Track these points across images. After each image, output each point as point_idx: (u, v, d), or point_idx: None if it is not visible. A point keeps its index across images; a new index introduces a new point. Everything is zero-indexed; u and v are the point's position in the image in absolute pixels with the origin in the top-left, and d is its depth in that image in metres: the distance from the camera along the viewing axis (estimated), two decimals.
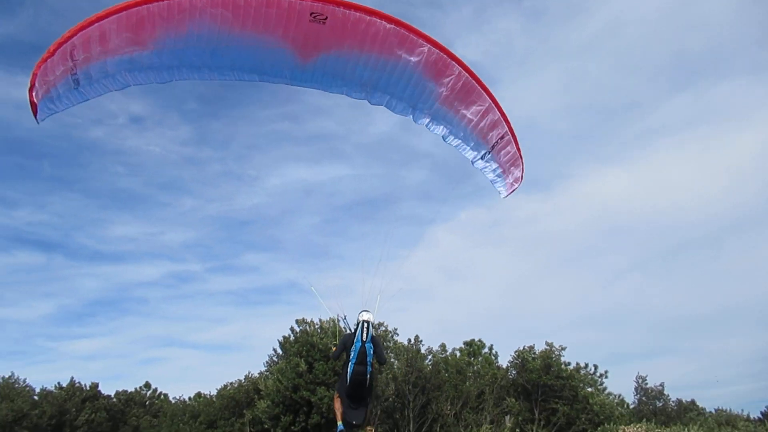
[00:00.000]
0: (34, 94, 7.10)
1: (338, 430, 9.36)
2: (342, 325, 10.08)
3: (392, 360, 23.75)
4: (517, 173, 9.51)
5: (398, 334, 25.11)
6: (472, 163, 9.67)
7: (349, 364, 9.05)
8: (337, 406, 9.50)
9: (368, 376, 9.11)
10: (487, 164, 9.60)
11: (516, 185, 9.64)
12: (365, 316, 9.29)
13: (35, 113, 7.30)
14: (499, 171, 9.63)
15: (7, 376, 30.74)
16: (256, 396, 24.66)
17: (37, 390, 31.80)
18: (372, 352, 9.03)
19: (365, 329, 9.11)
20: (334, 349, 9.87)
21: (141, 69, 7.64)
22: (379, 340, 9.51)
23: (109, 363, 64.22)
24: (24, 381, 31.12)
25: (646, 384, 29.95)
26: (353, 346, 9.06)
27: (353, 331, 9.31)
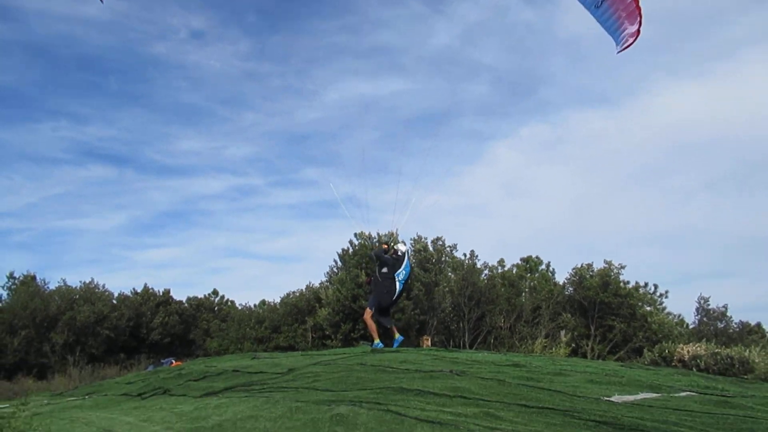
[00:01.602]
0: None
1: (377, 346, 10.23)
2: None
3: (450, 274, 24.13)
4: (633, 28, 8.88)
5: (457, 250, 25.33)
6: (587, 9, 9.12)
7: (398, 282, 10.56)
8: (374, 326, 10.73)
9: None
10: (602, 13, 9.04)
11: (631, 41, 9.02)
12: (405, 248, 10.85)
13: None
14: (613, 22, 9.06)
15: (87, 282, 33.01)
16: (317, 304, 25.67)
17: (115, 295, 34.04)
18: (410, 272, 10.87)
19: (408, 257, 10.77)
20: (385, 246, 11.29)
21: None
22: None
23: (179, 271, 67.60)
24: (103, 286, 33.31)
25: (708, 305, 29.45)
26: (403, 270, 10.59)
27: (394, 255, 10.70)
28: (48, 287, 31.99)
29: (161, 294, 35.53)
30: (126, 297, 34.10)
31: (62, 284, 32.15)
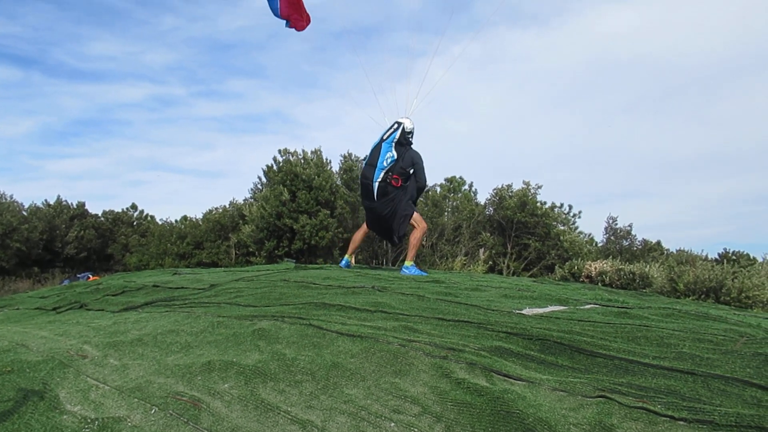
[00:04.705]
0: None
1: (340, 263, 8.37)
2: None
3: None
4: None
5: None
6: None
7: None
8: (356, 236, 8.33)
9: (374, 183, 7.24)
10: None
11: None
12: (400, 120, 7.52)
13: None
14: None
15: None
16: (240, 221, 25.43)
17: (26, 206, 32.39)
18: (387, 156, 7.27)
19: (392, 129, 7.43)
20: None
21: None
22: (419, 158, 7.47)
23: (94, 183, 64.80)
24: (11, 197, 31.56)
25: (616, 224, 31.23)
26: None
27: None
28: None
29: (75, 207, 34.12)
30: (38, 209, 32.55)
31: None
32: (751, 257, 27.73)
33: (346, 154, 24.95)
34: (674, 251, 29.86)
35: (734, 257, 27.79)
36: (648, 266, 14.19)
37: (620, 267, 13.91)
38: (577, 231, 25.55)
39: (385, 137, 7.43)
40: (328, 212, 22.54)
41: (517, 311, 4.31)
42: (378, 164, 7.29)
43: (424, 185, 7.84)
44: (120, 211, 36.75)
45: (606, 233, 31.57)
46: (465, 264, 21.42)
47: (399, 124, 7.50)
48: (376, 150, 7.43)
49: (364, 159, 7.80)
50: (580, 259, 18.45)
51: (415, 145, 7.69)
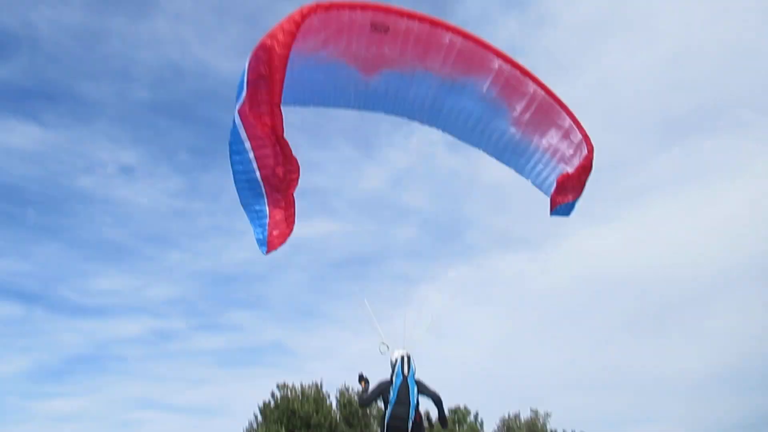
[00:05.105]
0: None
1: None
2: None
3: (377, 429, 23.21)
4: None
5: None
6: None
7: (388, 407, 7.19)
8: None
9: (409, 422, 7.10)
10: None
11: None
12: (400, 352, 7.55)
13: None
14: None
15: None
16: None
17: None
18: (416, 391, 7.22)
19: (406, 363, 7.35)
20: (362, 385, 7.99)
21: None
22: (418, 379, 7.48)
23: (84, 425, 61.37)
24: None
25: None
26: (392, 384, 7.24)
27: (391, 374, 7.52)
28: None
29: None
30: None
31: None
32: None
33: (344, 389, 24.17)
34: None
35: None
36: None
37: None
38: None
39: (406, 373, 7.27)
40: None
41: None
42: (411, 402, 7.14)
43: (439, 396, 7.70)
44: None
45: None
46: None
47: (409, 356, 7.45)
48: (404, 388, 7.21)
49: (390, 401, 7.17)
50: None
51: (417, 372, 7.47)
